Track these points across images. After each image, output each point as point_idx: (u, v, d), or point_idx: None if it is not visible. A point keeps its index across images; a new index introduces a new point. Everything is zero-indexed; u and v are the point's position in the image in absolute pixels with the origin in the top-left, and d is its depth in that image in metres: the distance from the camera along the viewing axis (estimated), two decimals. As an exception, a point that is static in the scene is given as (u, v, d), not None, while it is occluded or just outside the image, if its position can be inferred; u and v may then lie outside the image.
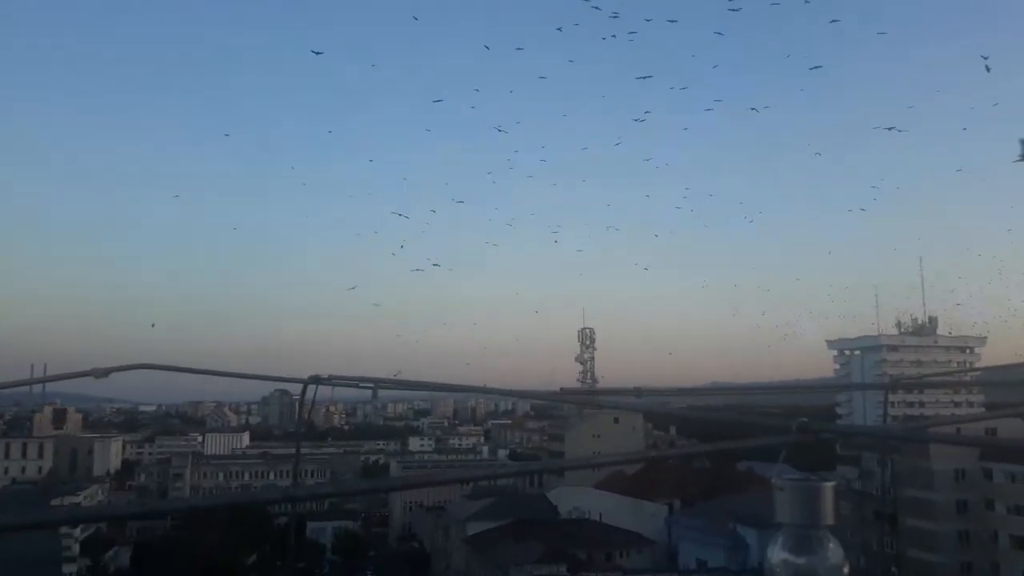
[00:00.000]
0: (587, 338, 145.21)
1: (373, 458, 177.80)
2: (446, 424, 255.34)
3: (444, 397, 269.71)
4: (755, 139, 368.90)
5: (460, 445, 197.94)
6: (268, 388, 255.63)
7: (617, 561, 71.13)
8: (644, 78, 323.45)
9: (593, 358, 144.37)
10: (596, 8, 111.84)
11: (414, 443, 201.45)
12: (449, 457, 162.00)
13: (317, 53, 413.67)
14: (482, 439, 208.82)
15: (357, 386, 4.47)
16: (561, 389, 5.69)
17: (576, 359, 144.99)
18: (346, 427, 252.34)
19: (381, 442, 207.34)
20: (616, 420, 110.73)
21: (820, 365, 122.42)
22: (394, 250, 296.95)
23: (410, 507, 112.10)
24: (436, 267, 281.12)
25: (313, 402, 4.81)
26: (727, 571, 61.12)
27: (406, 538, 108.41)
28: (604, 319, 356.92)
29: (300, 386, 4.62)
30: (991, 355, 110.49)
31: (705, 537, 75.30)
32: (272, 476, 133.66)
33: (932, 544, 65.45)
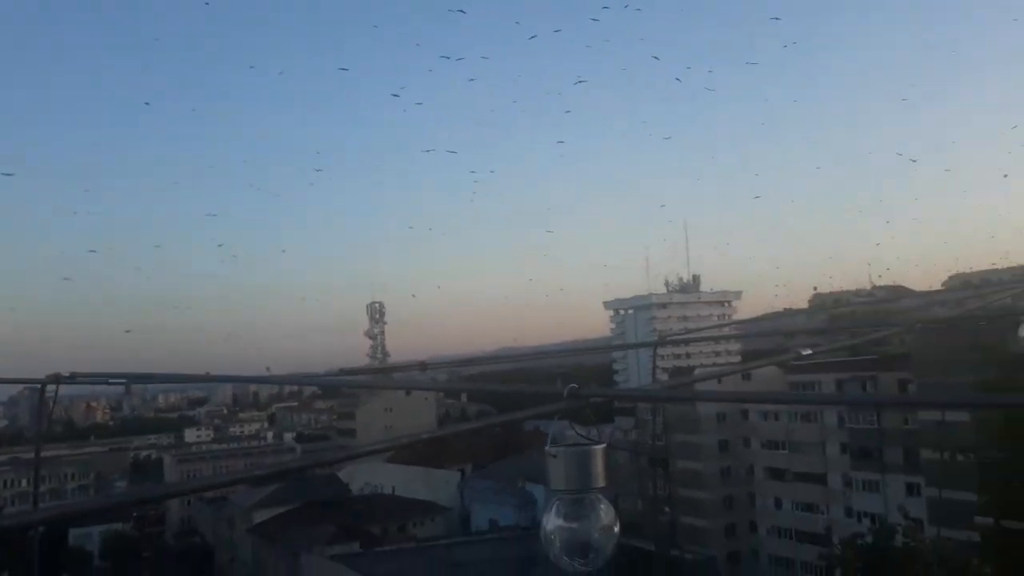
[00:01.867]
0: (376, 312, 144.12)
1: (144, 454, 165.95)
2: (225, 412, 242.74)
3: (222, 384, 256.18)
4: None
5: (242, 432, 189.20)
6: (15, 387, 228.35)
7: (411, 531, 71.73)
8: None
9: (383, 332, 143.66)
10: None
11: (190, 434, 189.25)
12: (231, 445, 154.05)
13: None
14: (266, 424, 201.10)
15: (107, 383, 4.04)
16: (341, 370, 5.50)
17: (366, 334, 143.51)
18: (111, 423, 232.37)
19: (152, 436, 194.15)
20: (408, 392, 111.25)
21: (600, 325, 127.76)
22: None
23: (188, 501, 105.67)
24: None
25: (54, 401, 4.29)
26: (517, 528, 63.76)
27: (186, 533, 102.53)
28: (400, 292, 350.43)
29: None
30: (746, 308, 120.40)
31: (495, 497, 78.02)
32: (25, 483, 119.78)
33: (699, 482, 72.54)
